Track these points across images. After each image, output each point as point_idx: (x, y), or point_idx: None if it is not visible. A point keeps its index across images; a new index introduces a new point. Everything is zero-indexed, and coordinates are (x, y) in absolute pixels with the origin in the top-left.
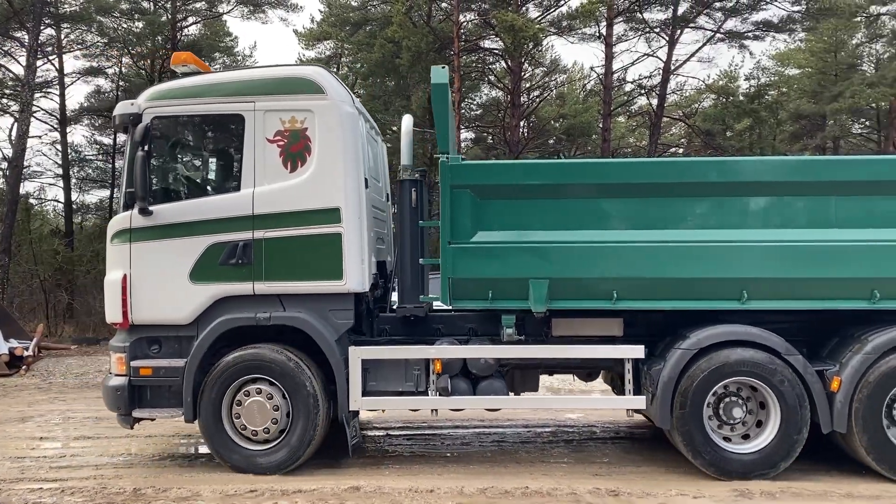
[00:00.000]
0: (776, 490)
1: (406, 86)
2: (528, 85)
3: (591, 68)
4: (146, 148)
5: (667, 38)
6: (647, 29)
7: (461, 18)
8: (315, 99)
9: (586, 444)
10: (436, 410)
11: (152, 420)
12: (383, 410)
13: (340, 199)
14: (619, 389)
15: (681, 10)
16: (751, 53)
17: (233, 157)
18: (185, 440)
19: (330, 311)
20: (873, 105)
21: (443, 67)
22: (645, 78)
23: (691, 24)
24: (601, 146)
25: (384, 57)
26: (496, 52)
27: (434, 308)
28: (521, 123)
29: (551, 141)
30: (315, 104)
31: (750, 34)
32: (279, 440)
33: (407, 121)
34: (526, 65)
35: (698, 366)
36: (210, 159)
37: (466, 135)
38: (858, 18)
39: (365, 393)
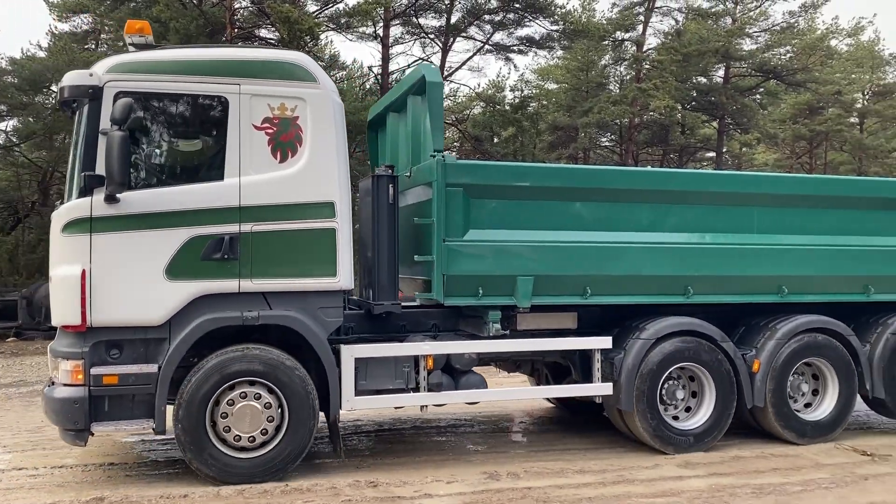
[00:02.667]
0: (520, 471)
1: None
2: None
3: (370, 68)
4: (125, 127)
5: (440, 45)
6: (423, 34)
7: (235, 4)
8: (307, 87)
9: (350, 438)
10: (425, 406)
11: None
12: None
13: (335, 193)
14: (544, 380)
15: (454, 19)
16: (515, 66)
17: (212, 143)
18: None
19: (320, 309)
20: (617, 121)
21: (433, 66)
22: None
23: (463, 34)
24: None
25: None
26: (272, 42)
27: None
28: None
29: None
30: (307, 92)
31: (515, 48)
32: (274, 445)
33: None
34: None
35: (654, 353)
36: (184, 143)
37: None
38: (606, 42)
39: (356, 392)
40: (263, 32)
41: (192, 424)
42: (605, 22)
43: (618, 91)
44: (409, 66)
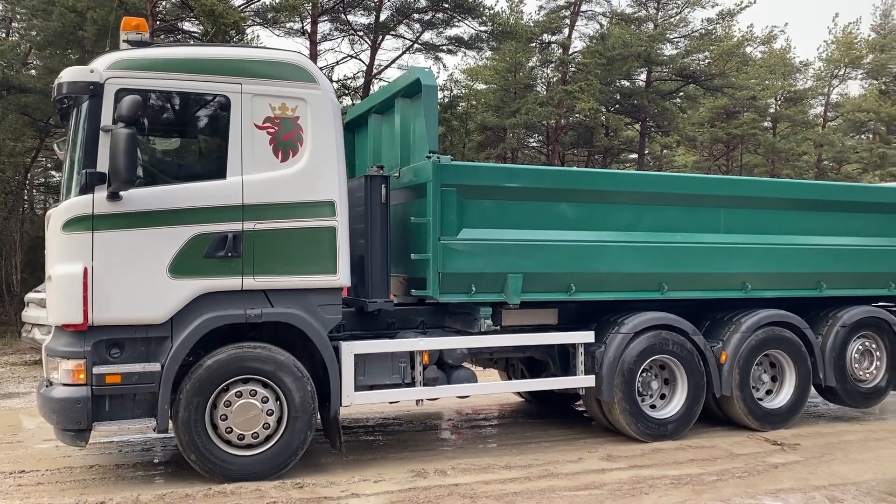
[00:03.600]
0: (448, 468)
1: (91, 61)
2: None
3: None
4: (133, 124)
5: (369, 43)
6: (352, 31)
7: None
8: (308, 87)
9: None
10: (421, 401)
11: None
12: None
13: (335, 192)
14: (518, 375)
15: (383, 17)
16: (444, 66)
17: (214, 141)
18: None
19: (319, 307)
20: (544, 122)
21: (427, 69)
22: (349, 79)
23: (392, 32)
24: None
25: (65, 27)
26: (196, 36)
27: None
28: None
29: None
30: (308, 93)
31: (444, 48)
32: (274, 442)
33: None
34: None
35: (633, 346)
36: (185, 141)
37: None
38: (534, 44)
39: (354, 388)
40: (187, 25)
41: (192, 423)
42: (532, 24)
43: (545, 93)
44: (337, 62)
